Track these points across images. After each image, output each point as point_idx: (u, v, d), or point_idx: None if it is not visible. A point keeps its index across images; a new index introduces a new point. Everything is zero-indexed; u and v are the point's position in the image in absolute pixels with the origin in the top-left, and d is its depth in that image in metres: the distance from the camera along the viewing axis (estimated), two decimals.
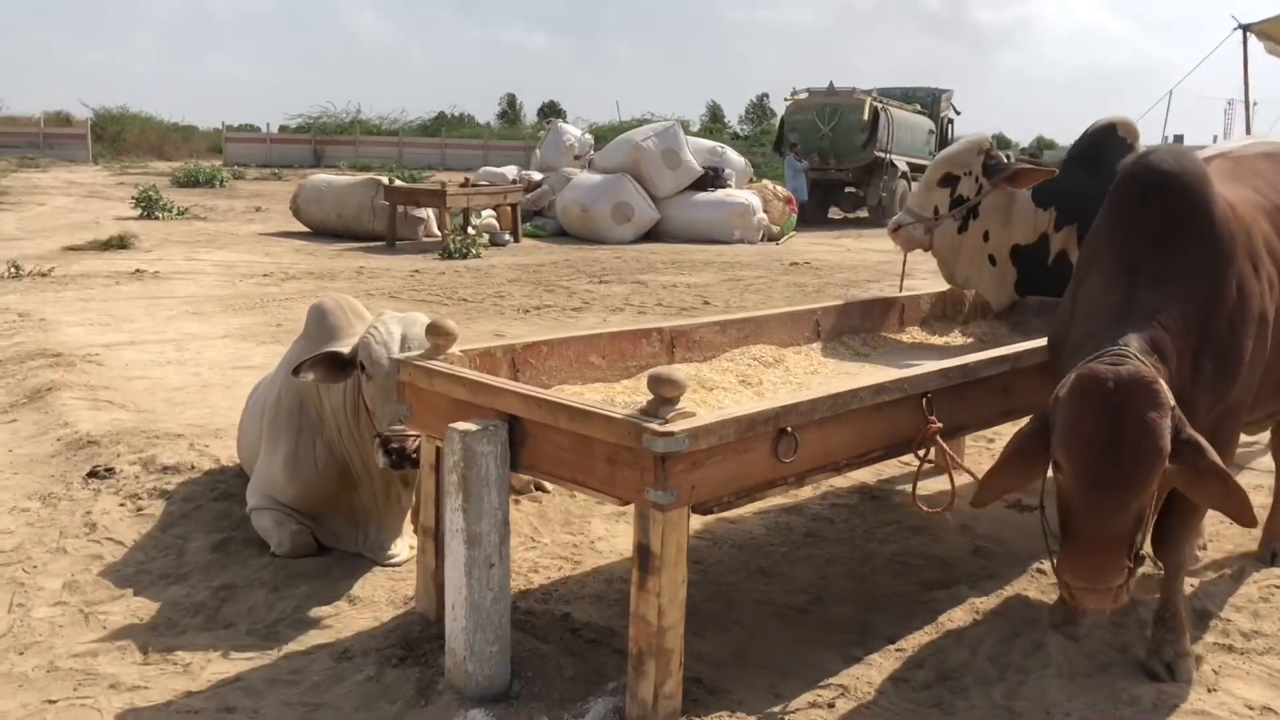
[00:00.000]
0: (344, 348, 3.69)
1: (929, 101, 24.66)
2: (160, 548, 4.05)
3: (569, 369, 3.68)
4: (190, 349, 7.83)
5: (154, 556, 3.98)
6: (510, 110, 73.26)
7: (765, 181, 19.37)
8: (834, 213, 23.62)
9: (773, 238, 17.82)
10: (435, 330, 3.21)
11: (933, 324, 5.04)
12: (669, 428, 2.54)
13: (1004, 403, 3.65)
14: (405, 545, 4.02)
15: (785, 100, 23.20)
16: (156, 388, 6.60)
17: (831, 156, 21.87)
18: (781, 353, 4.25)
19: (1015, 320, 4.97)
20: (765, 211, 17.74)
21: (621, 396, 3.39)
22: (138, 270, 11.69)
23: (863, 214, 23.25)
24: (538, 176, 18.94)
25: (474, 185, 16.93)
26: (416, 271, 12.69)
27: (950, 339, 4.90)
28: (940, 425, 3.22)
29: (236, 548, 4.06)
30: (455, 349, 3.25)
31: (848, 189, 23.13)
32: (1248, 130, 13.62)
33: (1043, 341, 3.74)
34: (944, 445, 3.22)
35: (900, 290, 5.17)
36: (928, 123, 24.25)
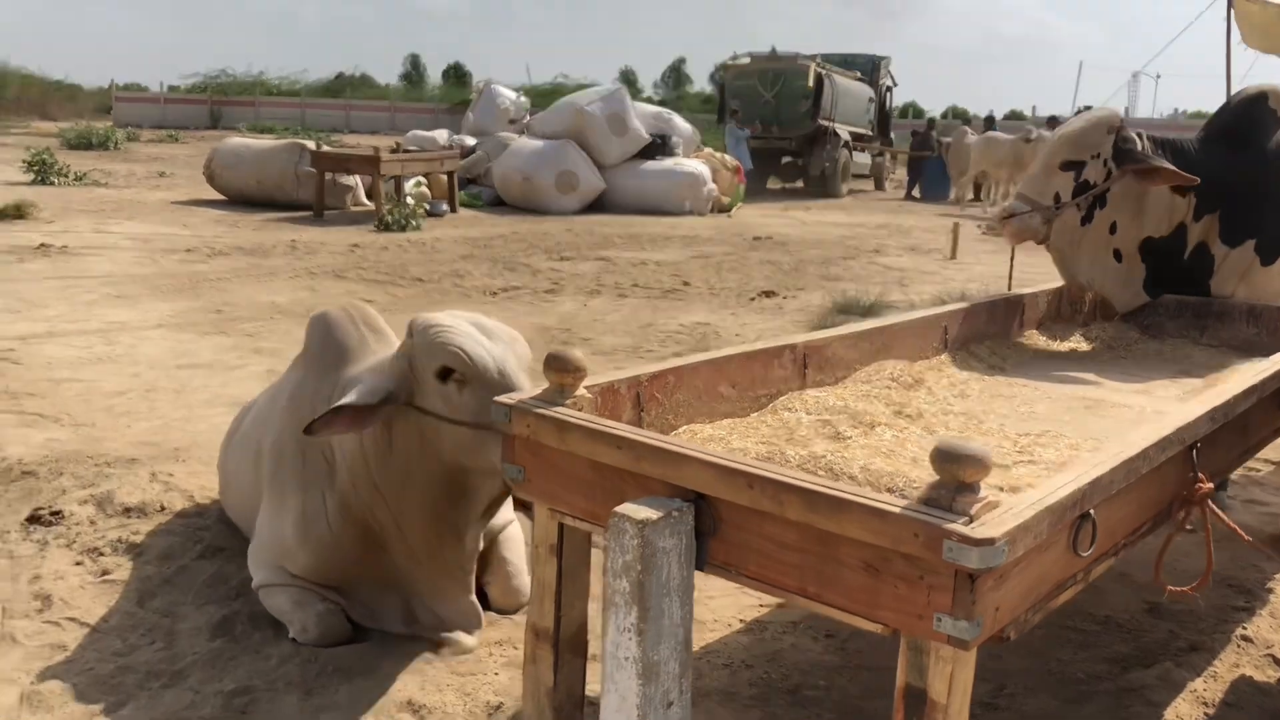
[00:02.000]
0: (365, 395, 2.77)
1: (868, 69, 24.05)
2: (142, 631, 3.11)
3: (697, 403, 2.84)
4: (121, 342, 6.75)
5: (136, 644, 3.04)
6: (414, 72, 71.07)
7: (710, 149, 18.54)
8: (771, 183, 22.92)
9: (723, 209, 17.04)
10: (560, 364, 2.34)
11: (1049, 326, 4.30)
12: (984, 531, 1.73)
13: (1243, 441, 2.92)
14: (472, 621, 3.15)
15: (717, 66, 22.39)
16: (91, 393, 5.56)
17: (774, 124, 21.14)
18: (916, 370, 3.47)
19: (1145, 322, 4.27)
20: (714, 182, 16.94)
21: (793, 448, 2.56)
22: (43, 245, 10.41)
23: (799, 185, 22.65)
24: (471, 141, 17.85)
25: (404, 150, 15.80)
26: (356, 246, 11.61)
27: (1075, 344, 4.18)
28: (1211, 486, 2.47)
29: (243, 628, 3.13)
30: (582, 388, 2.40)
31: (787, 158, 22.45)
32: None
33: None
34: (1215, 510, 2.47)
35: (1009, 288, 4.41)
36: (868, 90, 23.66)
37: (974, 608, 1.76)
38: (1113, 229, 4.19)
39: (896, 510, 1.80)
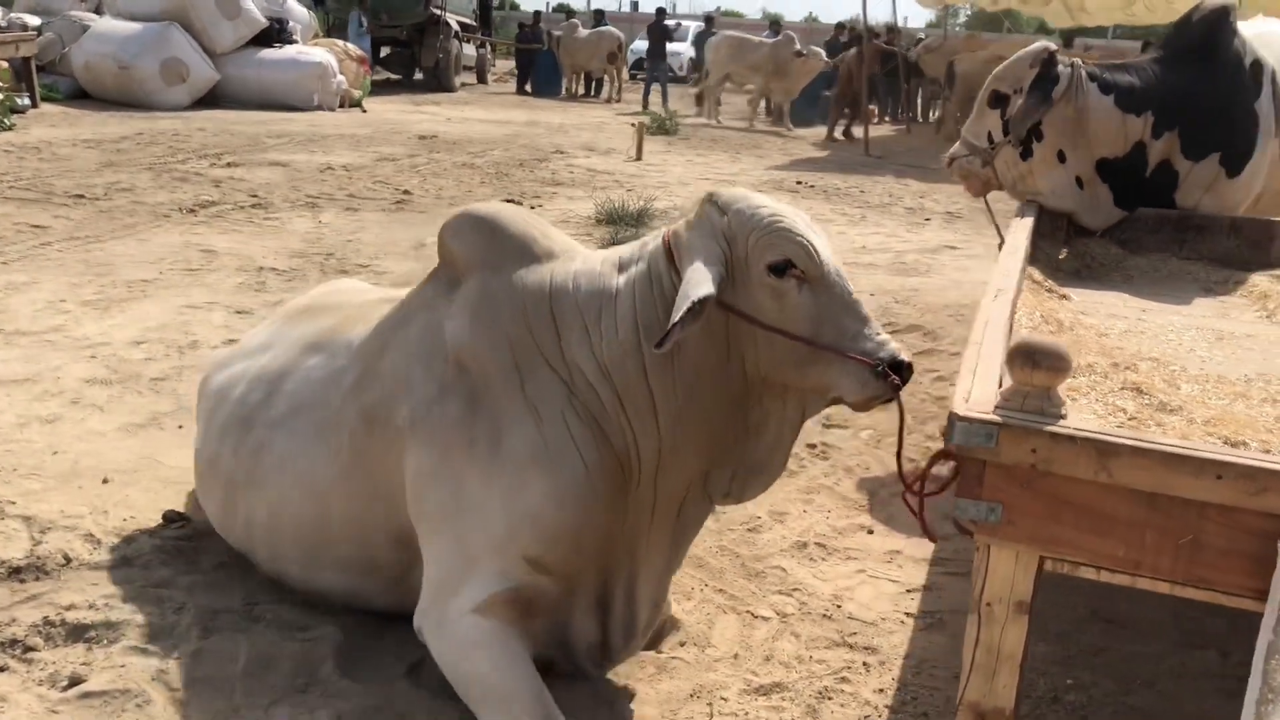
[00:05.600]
0: (715, 285, 2.05)
1: None
2: None
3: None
4: None
5: None
6: None
7: (332, 39, 16.85)
8: (375, 74, 21.36)
9: (353, 103, 15.58)
10: (1052, 361, 1.72)
11: (1040, 245, 4.10)
12: None
13: None
14: (665, 608, 2.59)
15: None
16: None
17: (382, 12, 19.59)
18: (1034, 305, 3.13)
19: (1122, 238, 4.21)
20: (341, 73, 15.42)
21: (1167, 425, 2.10)
22: None
23: (405, 77, 21.33)
24: (34, 22, 14.86)
25: None
26: None
27: (1073, 264, 4.04)
28: None
29: None
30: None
31: (389, 49, 21.01)
32: None
33: None
34: None
35: (1000, 241, 4.17)
36: None
37: None
38: (1061, 157, 4.13)
39: None
